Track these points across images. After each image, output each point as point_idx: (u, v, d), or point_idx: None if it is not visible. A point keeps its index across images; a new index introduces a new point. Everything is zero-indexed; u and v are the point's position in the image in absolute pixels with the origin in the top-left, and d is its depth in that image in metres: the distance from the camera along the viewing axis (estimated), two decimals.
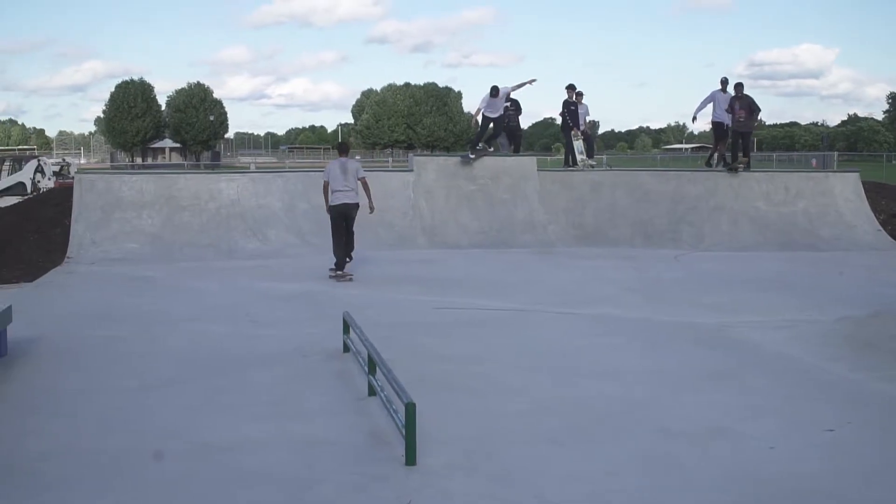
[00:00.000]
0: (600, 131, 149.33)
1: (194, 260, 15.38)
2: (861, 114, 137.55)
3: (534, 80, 20.51)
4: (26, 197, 26.35)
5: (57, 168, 37.85)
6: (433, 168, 19.47)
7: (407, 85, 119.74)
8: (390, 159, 77.00)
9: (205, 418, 6.63)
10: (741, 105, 19.62)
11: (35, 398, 7.23)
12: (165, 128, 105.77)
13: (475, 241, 17.98)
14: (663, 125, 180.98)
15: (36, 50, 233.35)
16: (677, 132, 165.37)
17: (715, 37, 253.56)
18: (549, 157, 64.47)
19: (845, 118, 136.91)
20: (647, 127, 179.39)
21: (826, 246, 18.55)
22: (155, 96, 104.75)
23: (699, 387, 7.61)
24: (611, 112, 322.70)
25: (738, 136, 20.28)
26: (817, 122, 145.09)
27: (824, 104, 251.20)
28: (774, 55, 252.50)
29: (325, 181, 13.80)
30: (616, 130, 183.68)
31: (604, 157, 61.63)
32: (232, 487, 5.32)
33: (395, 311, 11.11)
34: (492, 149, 19.88)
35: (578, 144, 21.29)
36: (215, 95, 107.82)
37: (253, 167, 39.45)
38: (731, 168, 20.28)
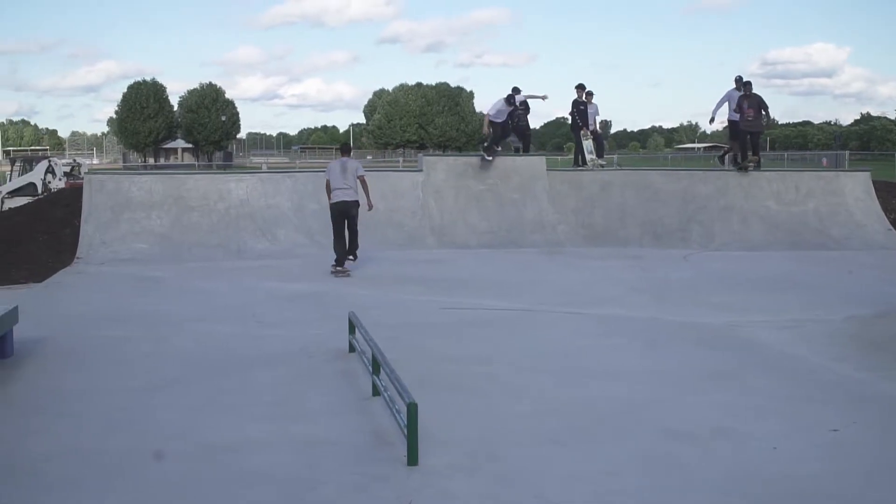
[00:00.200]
0: (612, 131, 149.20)
1: (203, 260, 15.43)
2: (874, 113, 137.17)
3: (546, 97, 20.82)
4: (37, 197, 26.44)
5: (67, 168, 37.93)
6: (442, 168, 19.48)
7: (419, 85, 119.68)
8: (401, 159, 76.96)
9: (208, 419, 6.65)
10: (750, 104, 19.53)
11: (40, 398, 7.26)
12: (178, 128, 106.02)
13: (484, 241, 17.97)
14: (676, 125, 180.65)
15: (48, 50, 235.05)
16: (690, 132, 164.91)
17: (727, 36, 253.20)
18: (559, 157, 64.31)
19: (858, 117, 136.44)
20: (660, 126, 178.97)
21: (836, 245, 18.47)
22: (167, 97, 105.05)
23: (702, 387, 7.59)
24: (623, 112, 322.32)
25: (747, 135, 20.19)
26: (830, 122, 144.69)
27: (837, 103, 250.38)
28: (787, 54, 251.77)
29: (326, 179, 14.31)
30: (628, 130, 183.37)
31: (614, 156, 61.46)
32: (234, 488, 5.34)
33: (402, 311, 11.12)
34: (499, 149, 19.90)
35: (588, 144, 21.28)
36: (227, 96, 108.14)
37: (265, 167, 39.51)
38: (742, 167, 20.21)
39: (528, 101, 21.23)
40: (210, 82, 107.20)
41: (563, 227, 18.90)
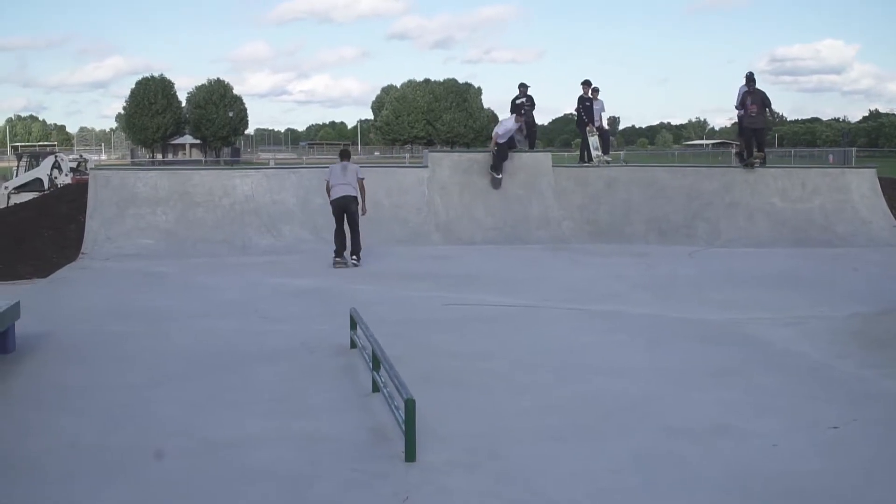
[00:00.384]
0: (620, 127, 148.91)
1: (208, 256, 15.45)
2: (883, 110, 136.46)
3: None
4: (43, 193, 26.48)
5: (74, 164, 38.01)
6: (448, 164, 19.46)
7: (427, 81, 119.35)
8: (408, 155, 76.72)
9: (209, 415, 6.66)
10: (753, 100, 19.48)
11: (41, 394, 7.28)
12: (186, 124, 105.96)
13: (489, 237, 17.97)
14: (684, 121, 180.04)
15: (57, 46, 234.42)
16: (698, 128, 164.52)
17: (736, 33, 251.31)
18: (566, 154, 64.19)
19: (867, 114, 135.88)
20: (668, 123, 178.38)
21: (841, 242, 18.44)
22: (175, 93, 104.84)
23: (704, 384, 7.57)
24: (631, 108, 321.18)
25: (751, 131, 20.12)
26: (839, 118, 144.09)
27: (846, 100, 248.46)
28: (796, 51, 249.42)
29: (326, 180, 14.85)
30: (637, 126, 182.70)
31: (621, 153, 61.30)
32: (234, 484, 5.35)
33: (407, 307, 11.12)
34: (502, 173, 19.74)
35: (593, 140, 21.25)
36: (235, 92, 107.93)
37: (272, 163, 39.53)
38: (747, 164, 20.16)
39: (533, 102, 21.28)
40: (218, 78, 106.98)
41: (568, 223, 18.88)
